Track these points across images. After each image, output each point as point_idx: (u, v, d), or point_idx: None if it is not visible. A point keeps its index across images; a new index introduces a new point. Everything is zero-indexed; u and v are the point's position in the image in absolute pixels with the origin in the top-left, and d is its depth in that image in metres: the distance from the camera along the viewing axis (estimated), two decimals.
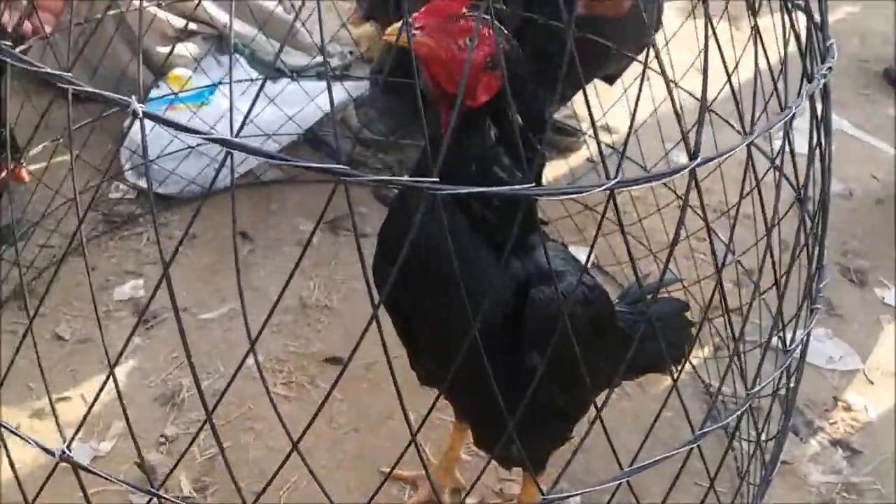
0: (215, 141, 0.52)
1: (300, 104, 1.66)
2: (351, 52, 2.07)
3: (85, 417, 0.65)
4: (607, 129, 1.84)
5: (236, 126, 0.53)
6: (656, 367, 1.08)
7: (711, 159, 0.59)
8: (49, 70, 0.55)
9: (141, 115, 0.52)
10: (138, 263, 1.47)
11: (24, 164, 1.30)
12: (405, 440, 1.24)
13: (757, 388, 0.67)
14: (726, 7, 1.03)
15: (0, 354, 0.79)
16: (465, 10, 0.73)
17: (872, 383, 1.46)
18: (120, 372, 1.27)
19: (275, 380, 1.27)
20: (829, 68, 0.74)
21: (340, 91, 1.73)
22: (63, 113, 1.41)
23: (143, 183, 1.55)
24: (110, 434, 1.17)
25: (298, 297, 1.44)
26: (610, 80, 1.86)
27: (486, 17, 0.71)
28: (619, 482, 0.57)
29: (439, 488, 1.12)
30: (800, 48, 0.73)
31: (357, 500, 1.13)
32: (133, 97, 0.52)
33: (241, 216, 1.58)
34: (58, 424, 0.65)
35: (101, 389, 0.66)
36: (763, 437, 0.99)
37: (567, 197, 0.55)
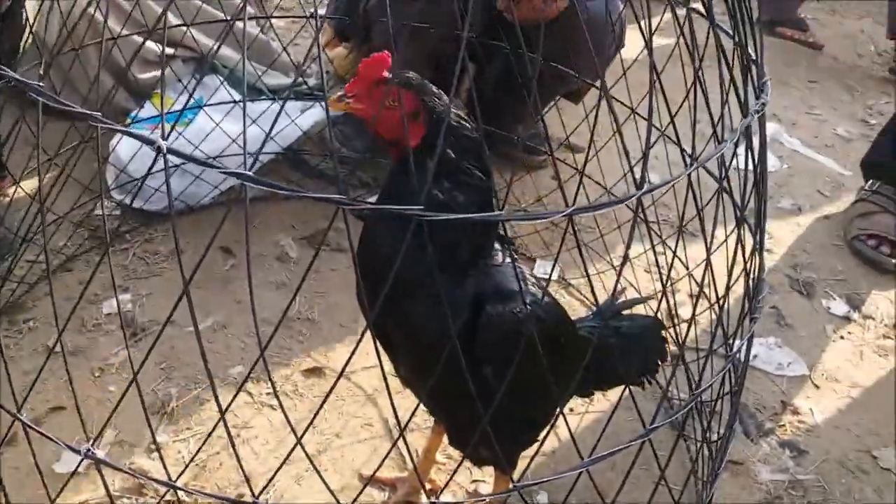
0: (236, 175, 0.60)
1: (279, 123, 1.73)
2: (327, 72, 2.15)
3: (107, 421, 0.72)
4: (571, 147, 1.94)
5: (249, 161, 0.60)
6: (629, 380, 1.16)
7: (656, 187, 0.68)
8: (81, 110, 0.62)
9: (165, 151, 0.59)
10: (125, 278, 1.53)
11: (7, 178, 1.36)
12: (383, 445, 1.33)
13: (701, 388, 0.76)
14: (676, 42, 1.12)
15: None
16: (386, 73, 0.88)
17: (818, 388, 1.57)
18: (111, 382, 1.32)
19: (260, 389, 1.34)
20: (763, 104, 0.84)
21: (318, 111, 1.81)
22: (53, 132, 1.47)
23: (128, 201, 1.60)
24: (103, 442, 1.22)
25: (280, 309, 1.51)
26: (575, 98, 1.95)
27: (409, 80, 0.88)
28: (580, 471, 0.66)
29: (418, 487, 1.20)
30: (735, 90, 0.82)
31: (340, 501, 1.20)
32: (157, 134, 0.60)
33: (223, 232, 1.64)
34: (82, 423, 0.71)
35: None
36: (714, 437, 1.09)
37: (532, 221, 0.63)
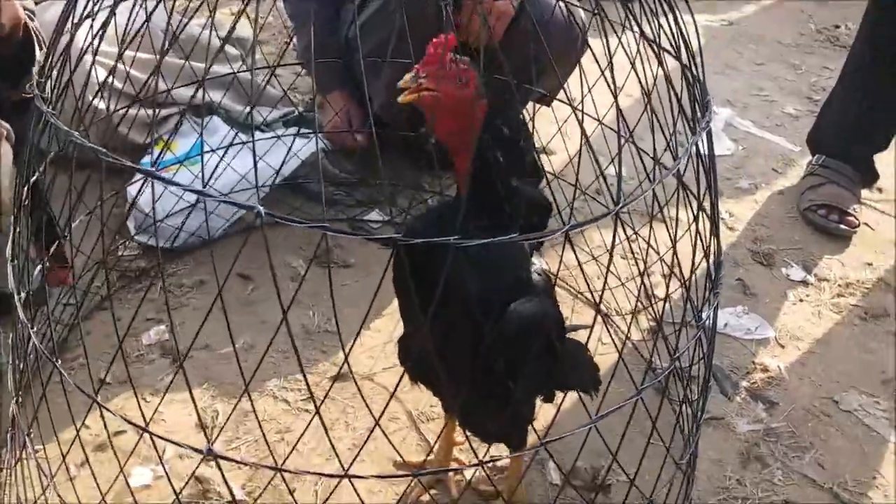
0: (319, 227, 0.76)
1: (276, 153, 1.89)
2: (311, 99, 2.30)
3: (225, 419, 0.87)
4: (545, 151, 2.12)
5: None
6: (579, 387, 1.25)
7: (630, 201, 0.86)
8: (177, 183, 0.78)
9: (263, 215, 0.75)
10: (157, 311, 1.68)
11: (71, 269, 1.49)
12: (410, 434, 1.50)
13: (678, 353, 0.94)
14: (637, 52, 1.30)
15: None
16: (451, 55, 0.88)
17: (783, 347, 1.77)
18: (161, 406, 1.48)
19: (296, 397, 1.51)
20: (708, 122, 1.02)
21: (314, 141, 1.97)
22: (90, 185, 1.60)
23: (151, 241, 1.76)
24: (166, 457, 1.38)
25: (301, 325, 1.68)
26: (545, 101, 2.11)
27: (466, 58, 0.91)
28: (589, 426, 0.84)
29: (446, 465, 1.38)
30: (682, 109, 1.00)
31: (377, 487, 1.37)
32: (257, 202, 0.76)
33: (239, 260, 1.81)
34: (202, 425, 0.88)
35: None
36: (693, 397, 1.28)
37: (538, 240, 0.81)
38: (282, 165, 1.78)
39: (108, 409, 0.90)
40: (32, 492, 1.13)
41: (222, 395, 1.51)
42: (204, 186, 0.78)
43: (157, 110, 1.81)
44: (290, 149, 1.85)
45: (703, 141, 1.01)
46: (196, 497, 1.33)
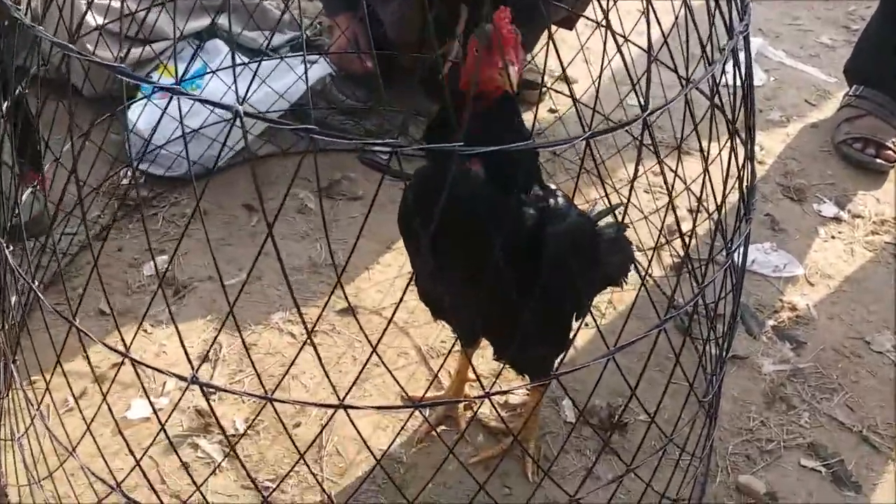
0: (304, 130, 0.68)
1: (281, 79, 1.80)
2: (320, 23, 2.19)
3: (208, 352, 0.82)
4: (566, 79, 2.00)
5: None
6: (614, 280, 1.29)
7: (659, 109, 0.77)
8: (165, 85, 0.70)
9: (242, 114, 0.68)
10: (159, 241, 1.62)
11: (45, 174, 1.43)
12: (419, 370, 1.45)
13: (705, 283, 0.86)
14: None
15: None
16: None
17: (813, 285, 1.68)
18: (163, 337, 1.43)
19: (301, 330, 1.45)
20: (747, 25, 0.92)
21: (322, 66, 1.87)
22: (80, 111, 1.54)
23: (152, 169, 1.68)
24: (164, 391, 1.34)
25: (308, 257, 1.61)
26: (569, 24, 1.99)
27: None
28: (607, 358, 0.77)
29: (454, 405, 1.32)
30: (719, 11, 0.90)
31: (385, 422, 1.32)
32: (236, 102, 0.68)
33: (243, 190, 1.74)
34: (187, 356, 0.82)
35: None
36: (718, 333, 1.20)
37: (556, 147, 0.73)
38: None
39: (87, 334, 0.84)
40: (23, 423, 1.08)
41: (226, 327, 1.45)
42: (178, 83, 0.70)
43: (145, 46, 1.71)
44: (301, 75, 1.75)
45: (740, 47, 0.91)
46: (197, 430, 1.28)
